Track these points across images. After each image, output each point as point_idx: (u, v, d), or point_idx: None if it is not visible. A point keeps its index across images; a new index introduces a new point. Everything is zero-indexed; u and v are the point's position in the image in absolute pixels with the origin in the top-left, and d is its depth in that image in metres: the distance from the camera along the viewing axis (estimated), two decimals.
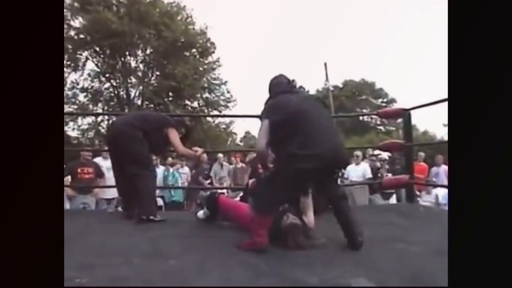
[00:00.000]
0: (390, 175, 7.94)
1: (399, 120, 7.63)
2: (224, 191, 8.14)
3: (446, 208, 6.52)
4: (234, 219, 3.56)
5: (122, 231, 3.45)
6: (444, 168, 9.26)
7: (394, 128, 33.02)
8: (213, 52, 23.10)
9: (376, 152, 9.01)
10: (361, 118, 35.51)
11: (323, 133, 2.92)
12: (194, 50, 22.55)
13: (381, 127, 36.11)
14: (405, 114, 5.44)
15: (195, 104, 23.56)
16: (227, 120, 24.74)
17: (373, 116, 32.88)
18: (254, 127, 47.98)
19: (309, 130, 2.88)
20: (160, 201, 8.31)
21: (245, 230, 3.10)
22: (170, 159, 9.38)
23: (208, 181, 9.30)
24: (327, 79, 24.49)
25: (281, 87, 3.29)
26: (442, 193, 8.24)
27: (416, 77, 56.93)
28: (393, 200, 8.47)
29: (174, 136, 4.12)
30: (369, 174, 8.60)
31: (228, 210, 3.61)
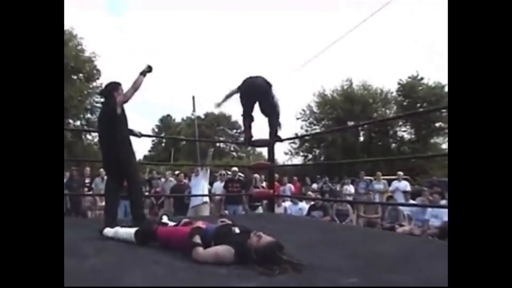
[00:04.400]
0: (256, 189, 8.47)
1: (249, 148, 8.75)
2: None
3: (297, 215, 8.61)
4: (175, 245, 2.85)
5: None
6: (289, 186, 11.35)
7: (244, 155, 37.16)
8: (98, 78, 24.60)
9: (231, 171, 9.38)
10: (217, 144, 38.72)
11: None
12: (81, 74, 23.76)
13: (234, 153, 40.01)
14: (271, 145, 6.15)
15: (78, 123, 24.52)
16: None
17: (228, 144, 36.81)
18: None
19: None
20: None
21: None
22: None
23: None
24: (194, 110, 26.98)
25: None
26: (288, 205, 9.55)
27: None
28: (259, 210, 8.71)
29: None
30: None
31: (168, 238, 2.97)
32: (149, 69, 4.06)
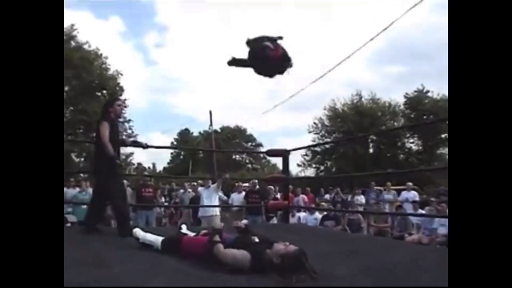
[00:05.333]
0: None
1: (264, 160, 8.50)
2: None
3: (311, 224, 8.59)
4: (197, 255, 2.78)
5: None
6: (302, 196, 11.33)
7: (259, 166, 37.13)
8: (121, 94, 25.02)
9: (251, 182, 9.38)
10: (233, 156, 38.81)
11: None
12: (105, 91, 24.11)
13: (249, 165, 40.02)
14: (286, 154, 6.14)
15: None
16: (127, 151, 26.43)
17: (243, 156, 36.81)
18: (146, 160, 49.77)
19: None
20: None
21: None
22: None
23: None
24: (211, 124, 27.26)
25: None
26: (302, 216, 9.44)
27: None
28: (274, 221, 8.67)
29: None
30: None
31: (191, 247, 2.93)
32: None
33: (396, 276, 2.42)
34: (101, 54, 24.76)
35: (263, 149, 34.75)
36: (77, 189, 9.13)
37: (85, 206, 8.03)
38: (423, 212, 8.33)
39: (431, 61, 46.08)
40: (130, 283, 2.21)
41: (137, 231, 3.38)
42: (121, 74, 25.32)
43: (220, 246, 2.61)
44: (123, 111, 17.97)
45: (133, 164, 29.90)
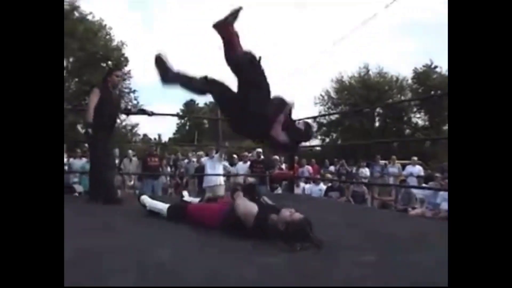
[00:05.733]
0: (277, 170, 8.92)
1: None
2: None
3: (316, 195, 8.71)
4: (203, 222, 2.81)
5: None
6: (307, 167, 11.37)
7: None
8: (126, 65, 24.82)
9: (255, 152, 9.34)
10: None
11: None
12: (109, 62, 23.97)
13: None
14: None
15: None
16: (133, 122, 26.55)
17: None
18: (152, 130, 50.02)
19: None
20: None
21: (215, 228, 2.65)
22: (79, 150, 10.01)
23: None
24: None
25: None
26: (307, 187, 9.57)
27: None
28: (278, 191, 8.62)
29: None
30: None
31: (196, 216, 2.93)
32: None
33: (399, 246, 2.45)
34: (105, 25, 24.53)
35: None
36: (84, 159, 9.15)
37: None
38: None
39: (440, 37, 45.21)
40: (137, 249, 2.24)
41: (145, 198, 3.42)
42: (126, 45, 25.11)
43: (240, 193, 2.80)
44: (122, 82, 17.56)
45: (139, 135, 30.01)
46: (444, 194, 7.05)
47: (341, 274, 1.88)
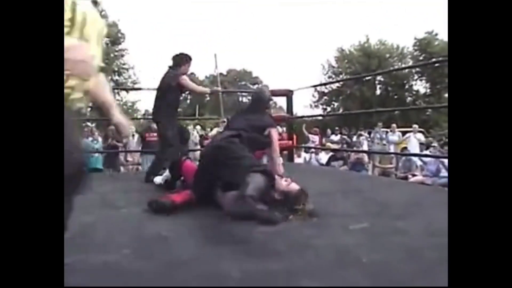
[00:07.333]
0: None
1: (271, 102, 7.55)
2: None
3: (317, 164, 8.87)
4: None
5: None
6: (312, 136, 11.47)
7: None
8: (123, 41, 24.67)
9: None
10: (240, 99, 38.57)
11: None
12: (106, 39, 23.68)
13: None
14: (289, 94, 6.29)
15: None
16: (133, 99, 26.43)
17: (250, 98, 36.38)
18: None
19: None
20: None
21: None
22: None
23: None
24: (216, 67, 26.85)
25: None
26: (308, 156, 9.66)
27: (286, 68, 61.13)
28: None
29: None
30: None
31: (190, 173, 3.00)
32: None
33: (392, 213, 2.48)
34: (100, 1, 24.16)
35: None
36: (90, 138, 9.10)
37: (97, 155, 8.43)
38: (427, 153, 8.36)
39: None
40: (137, 222, 2.30)
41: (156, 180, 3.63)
42: (118, 20, 24.92)
43: None
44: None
45: (140, 110, 29.89)
46: (444, 162, 7.06)
47: (332, 241, 1.91)
